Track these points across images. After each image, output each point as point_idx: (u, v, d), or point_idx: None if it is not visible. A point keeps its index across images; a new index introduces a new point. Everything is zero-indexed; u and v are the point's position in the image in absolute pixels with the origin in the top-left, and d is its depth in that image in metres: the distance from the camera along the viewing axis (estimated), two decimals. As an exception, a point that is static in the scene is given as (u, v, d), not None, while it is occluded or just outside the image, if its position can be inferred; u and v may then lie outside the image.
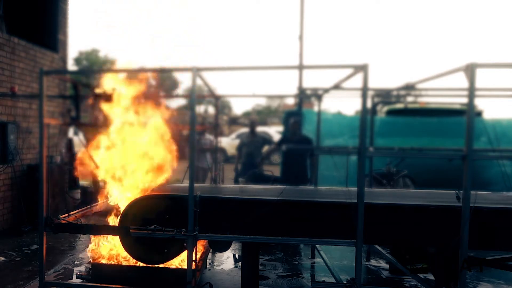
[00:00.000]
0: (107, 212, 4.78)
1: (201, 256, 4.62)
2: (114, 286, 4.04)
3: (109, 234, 4.17)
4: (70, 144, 9.08)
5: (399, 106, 9.39)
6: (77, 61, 34.16)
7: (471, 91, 3.33)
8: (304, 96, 7.21)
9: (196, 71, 3.74)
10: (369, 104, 4.93)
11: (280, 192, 4.31)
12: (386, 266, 5.59)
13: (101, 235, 4.47)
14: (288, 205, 3.88)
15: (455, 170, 4.03)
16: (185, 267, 3.85)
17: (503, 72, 3.70)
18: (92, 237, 4.60)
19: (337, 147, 7.79)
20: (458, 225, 3.42)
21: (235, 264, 5.48)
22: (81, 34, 49.12)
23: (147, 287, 4.14)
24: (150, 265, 4.12)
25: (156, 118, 4.62)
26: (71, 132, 8.52)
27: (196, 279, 3.85)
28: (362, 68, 3.46)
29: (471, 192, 3.39)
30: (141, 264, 4.16)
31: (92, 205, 4.99)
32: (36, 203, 4.00)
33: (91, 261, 4.43)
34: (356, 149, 3.55)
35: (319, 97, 6.10)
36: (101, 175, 4.62)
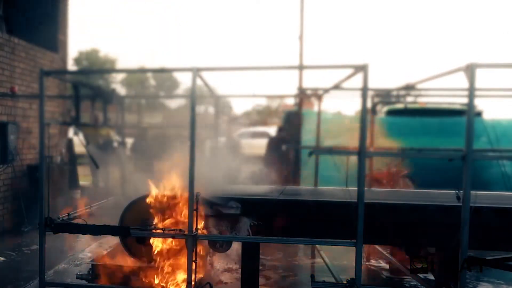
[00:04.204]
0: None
1: (201, 256, 4.61)
2: (114, 286, 4.04)
3: (109, 234, 4.17)
4: (70, 144, 9.08)
5: (399, 106, 9.37)
6: (77, 61, 34.15)
7: (471, 91, 3.33)
8: (304, 96, 7.22)
9: (196, 71, 3.73)
10: (369, 104, 4.93)
11: (280, 192, 4.31)
12: (386, 266, 5.59)
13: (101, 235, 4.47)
14: (287, 205, 3.89)
15: (455, 170, 4.03)
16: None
17: (503, 72, 3.70)
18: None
19: (337, 147, 7.79)
20: (458, 225, 3.42)
21: None
22: (81, 34, 48.99)
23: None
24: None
25: None
26: (71, 132, 8.51)
27: (196, 279, 3.85)
28: (362, 68, 3.46)
29: (471, 192, 3.38)
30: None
31: (92, 205, 4.99)
32: (36, 203, 4.00)
33: (91, 261, 4.43)
34: (356, 149, 3.55)
35: (319, 97, 6.11)
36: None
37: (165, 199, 4.03)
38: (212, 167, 4.72)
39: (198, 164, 3.78)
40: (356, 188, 3.47)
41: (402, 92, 5.62)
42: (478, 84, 3.36)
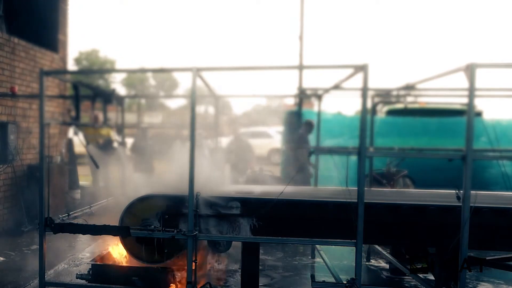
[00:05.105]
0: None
1: (201, 256, 4.62)
2: (114, 286, 4.04)
3: (109, 234, 4.17)
4: (70, 144, 9.08)
5: (399, 106, 9.39)
6: (77, 61, 34.15)
7: (471, 91, 3.33)
8: (304, 96, 7.21)
9: (196, 71, 3.73)
10: (369, 104, 4.93)
11: (280, 192, 4.30)
12: (386, 266, 5.59)
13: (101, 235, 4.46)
14: (288, 205, 3.89)
15: (455, 170, 4.03)
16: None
17: (503, 72, 3.70)
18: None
19: (337, 147, 7.79)
20: (458, 225, 3.42)
21: None
22: (81, 34, 49.04)
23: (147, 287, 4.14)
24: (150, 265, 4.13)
25: None
26: (71, 132, 8.51)
27: (196, 279, 3.85)
28: (362, 68, 3.46)
29: (471, 192, 3.39)
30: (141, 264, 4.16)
31: (92, 205, 4.99)
32: (36, 203, 4.00)
33: (91, 261, 4.43)
34: (356, 149, 3.55)
35: (319, 97, 6.10)
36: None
37: None
38: (216, 167, 4.74)
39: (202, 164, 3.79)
40: (356, 188, 3.47)
41: (402, 92, 5.62)
42: (478, 84, 3.36)
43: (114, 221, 4.10)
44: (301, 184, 6.48)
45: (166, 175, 4.80)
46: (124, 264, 4.55)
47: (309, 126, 8.01)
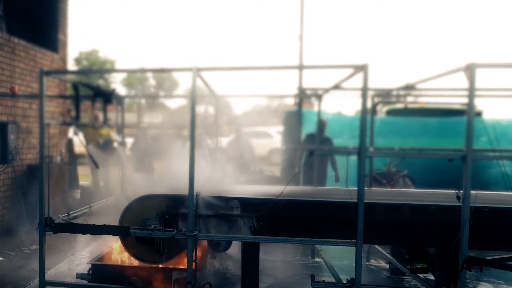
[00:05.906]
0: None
1: (201, 256, 4.62)
2: (114, 286, 4.04)
3: (109, 234, 4.17)
4: (70, 144, 9.08)
5: (399, 106, 9.39)
6: (77, 61, 34.13)
7: (471, 91, 3.33)
8: (304, 96, 7.21)
9: (196, 71, 3.73)
10: (369, 104, 4.93)
11: (281, 192, 4.30)
12: (386, 266, 5.59)
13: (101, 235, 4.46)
14: (288, 205, 3.89)
15: (455, 170, 4.03)
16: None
17: (503, 72, 3.70)
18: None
19: (337, 147, 7.79)
20: (458, 225, 3.42)
21: None
22: (81, 34, 49.09)
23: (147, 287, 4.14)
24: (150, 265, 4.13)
25: None
26: (71, 132, 8.50)
27: (196, 279, 3.85)
28: (362, 68, 3.46)
29: (471, 192, 3.39)
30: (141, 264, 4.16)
31: (92, 205, 4.99)
32: (36, 203, 3.99)
33: (91, 261, 4.43)
34: (356, 149, 3.55)
35: (319, 97, 6.10)
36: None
37: None
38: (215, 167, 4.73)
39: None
40: (356, 188, 3.47)
41: (402, 92, 5.62)
42: (478, 84, 3.36)
43: (114, 221, 4.10)
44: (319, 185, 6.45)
45: (166, 175, 4.80)
46: (124, 264, 4.55)
47: (323, 124, 7.84)
